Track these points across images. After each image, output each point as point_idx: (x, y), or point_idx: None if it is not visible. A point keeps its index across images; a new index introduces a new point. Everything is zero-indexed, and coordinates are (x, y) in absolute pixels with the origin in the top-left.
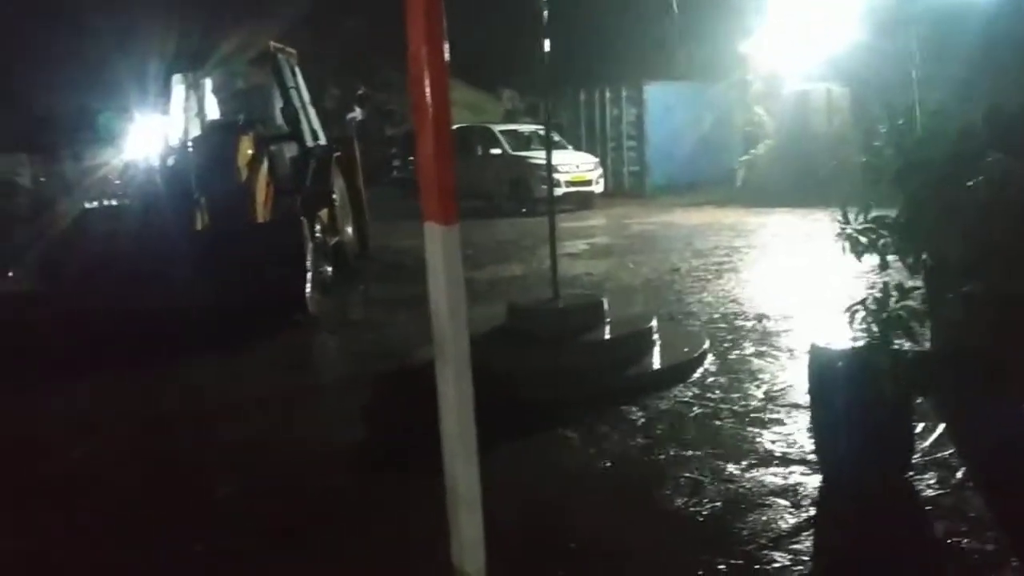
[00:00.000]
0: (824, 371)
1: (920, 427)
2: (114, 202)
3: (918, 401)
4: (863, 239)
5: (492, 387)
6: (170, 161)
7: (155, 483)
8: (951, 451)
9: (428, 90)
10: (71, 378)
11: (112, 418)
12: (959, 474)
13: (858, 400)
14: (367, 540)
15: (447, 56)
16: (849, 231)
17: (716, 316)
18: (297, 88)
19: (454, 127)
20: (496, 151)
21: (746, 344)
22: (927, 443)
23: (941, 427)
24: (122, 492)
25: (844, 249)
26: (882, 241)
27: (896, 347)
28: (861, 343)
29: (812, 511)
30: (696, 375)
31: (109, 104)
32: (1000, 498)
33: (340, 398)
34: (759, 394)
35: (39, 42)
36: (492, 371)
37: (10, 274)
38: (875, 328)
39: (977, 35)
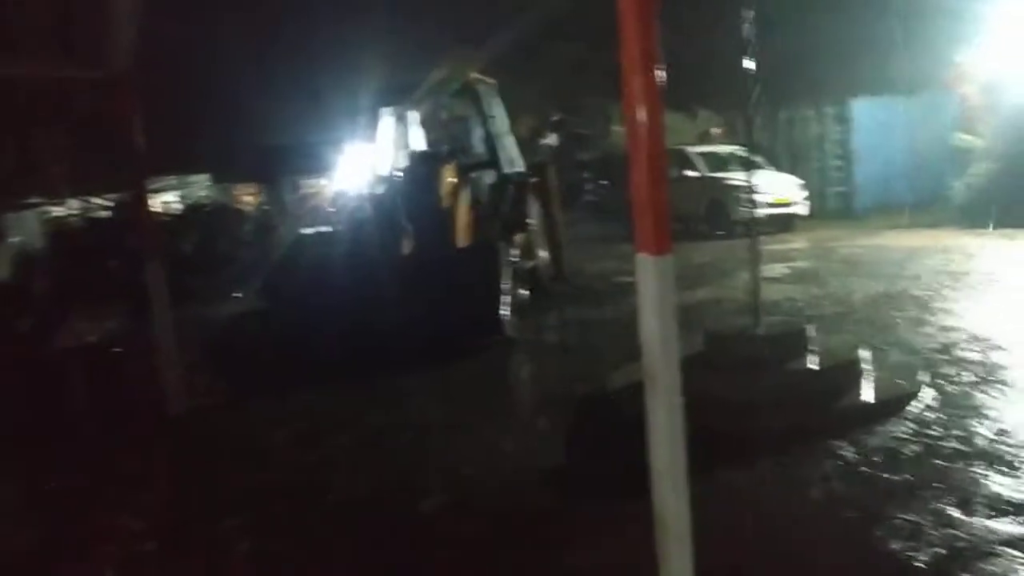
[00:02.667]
0: None
1: None
2: (327, 228)
3: None
4: None
5: (689, 416)
6: (379, 190)
7: (366, 494)
8: None
9: (642, 121)
10: (290, 394)
11: (328, 432)
12: None
13: None
14: (565, 567)
15: (661, 87)
16: None
17: (933, 346)
18: (496, 117)
19: None
20: (692, 173)
21: (969, 377)
22: None
23: None
24: (339, 501)
25: None
26: None
27: None
28: None
29: None
30: (912, 409)
31: (325, 137)
32: None
33: (537, 419)
34: (985, 432)
35: (265, 81)
36: (689, 400)
37: (238, 295)
38: None
39: None
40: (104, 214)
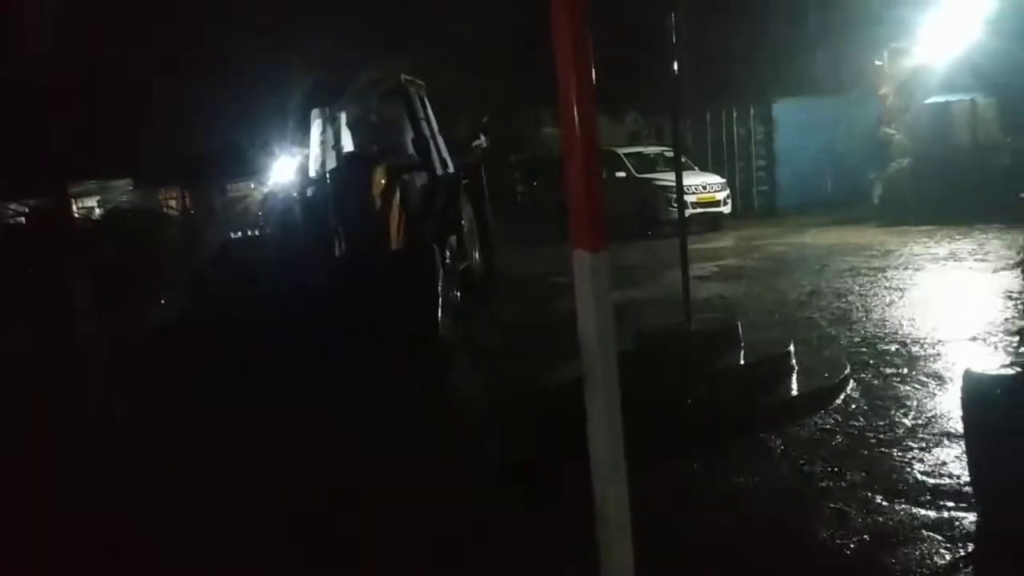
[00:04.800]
0: (981, 398)
1: None
2: (256, 232)
3: None
4: None
5: (623, 414)
6: (308, 192)
7: (302, 499)
8: None
9: (577, 120)
10: (221, 401)
11: (262, 440)
12: None
13: (1021, 429)
14: (509, 564)
15: (595, 87)
16: None
17: (856, 340)
18: (427, 118)
19: None
20: (621, 174)
21: (889, 369)
22: None
23: None
24: (272, 507)
25: None
26: None
27: None
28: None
29: (969, 547)
30: (837, 401)
31: (253, 140)
32: None
33: (475, 421)
34: (906, 422)
35: (190, 84)
36: (623, 398)
37: (162, 301)
38: None
39: None
40: (21, 220)
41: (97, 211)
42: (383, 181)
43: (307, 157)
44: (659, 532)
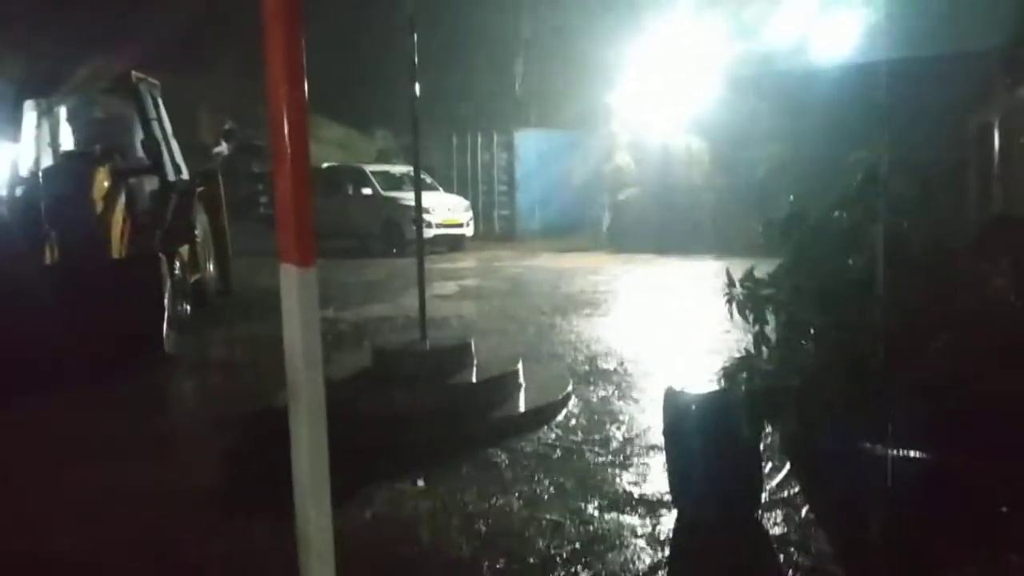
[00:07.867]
0: (678, 414)
1: (768, 467)
2: None
3: (767, 441)
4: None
5: (355, 431)
6: (18, 191)
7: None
8: (796, 489)
9: (286, 130)
10: None
11: None
12: (803, 512)
13: (709, 442)
14: None
15: (306, 96)
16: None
17: (580, 359)
18: (159, 120)
19: (324, 165)
20: (367, 191)
21: (608, 386)
22: (774, 482)
23: (787, 467)
24: None
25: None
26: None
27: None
28: (714, 387)
29: (667, 550)
30: (560, 417)
31: None
32: (840, 534)
33: (197, 441)
34: (619, 436)
35: None
36: (356, 415)
37: None
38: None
39: (823, 98)
40: None
41: None
42: (106, 183)
43: (18, 153)
44: (371, 554)
